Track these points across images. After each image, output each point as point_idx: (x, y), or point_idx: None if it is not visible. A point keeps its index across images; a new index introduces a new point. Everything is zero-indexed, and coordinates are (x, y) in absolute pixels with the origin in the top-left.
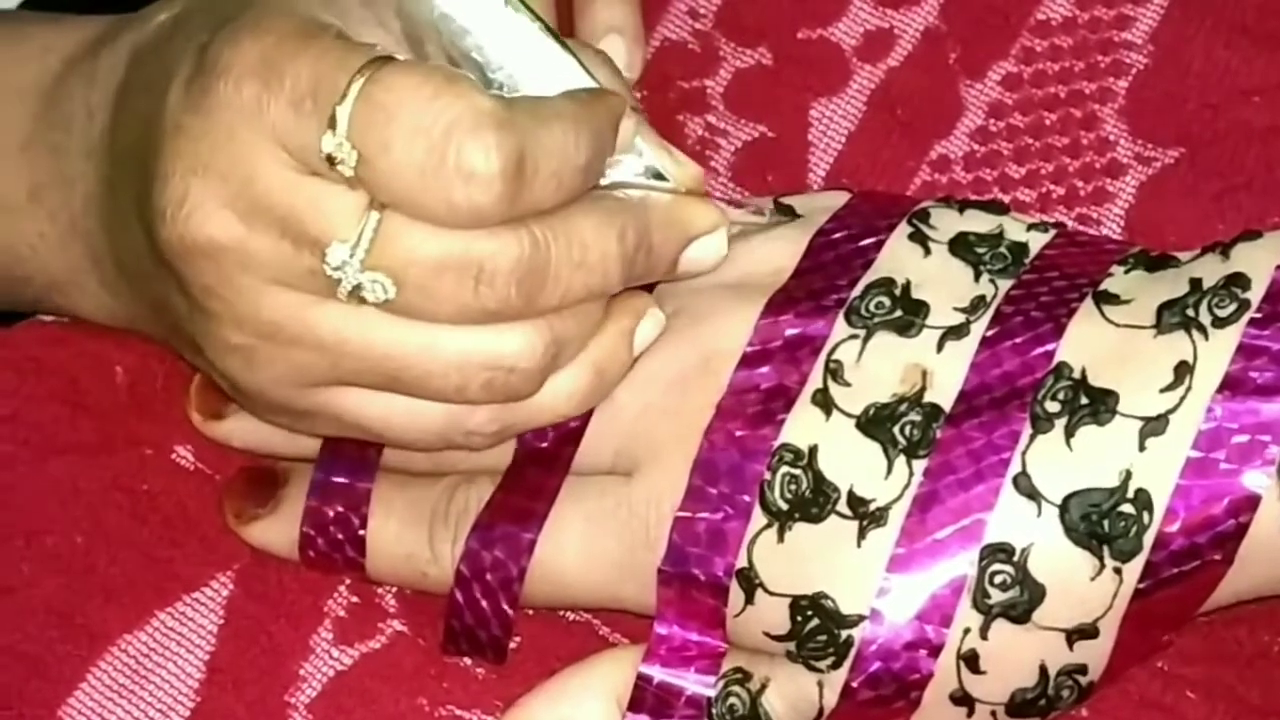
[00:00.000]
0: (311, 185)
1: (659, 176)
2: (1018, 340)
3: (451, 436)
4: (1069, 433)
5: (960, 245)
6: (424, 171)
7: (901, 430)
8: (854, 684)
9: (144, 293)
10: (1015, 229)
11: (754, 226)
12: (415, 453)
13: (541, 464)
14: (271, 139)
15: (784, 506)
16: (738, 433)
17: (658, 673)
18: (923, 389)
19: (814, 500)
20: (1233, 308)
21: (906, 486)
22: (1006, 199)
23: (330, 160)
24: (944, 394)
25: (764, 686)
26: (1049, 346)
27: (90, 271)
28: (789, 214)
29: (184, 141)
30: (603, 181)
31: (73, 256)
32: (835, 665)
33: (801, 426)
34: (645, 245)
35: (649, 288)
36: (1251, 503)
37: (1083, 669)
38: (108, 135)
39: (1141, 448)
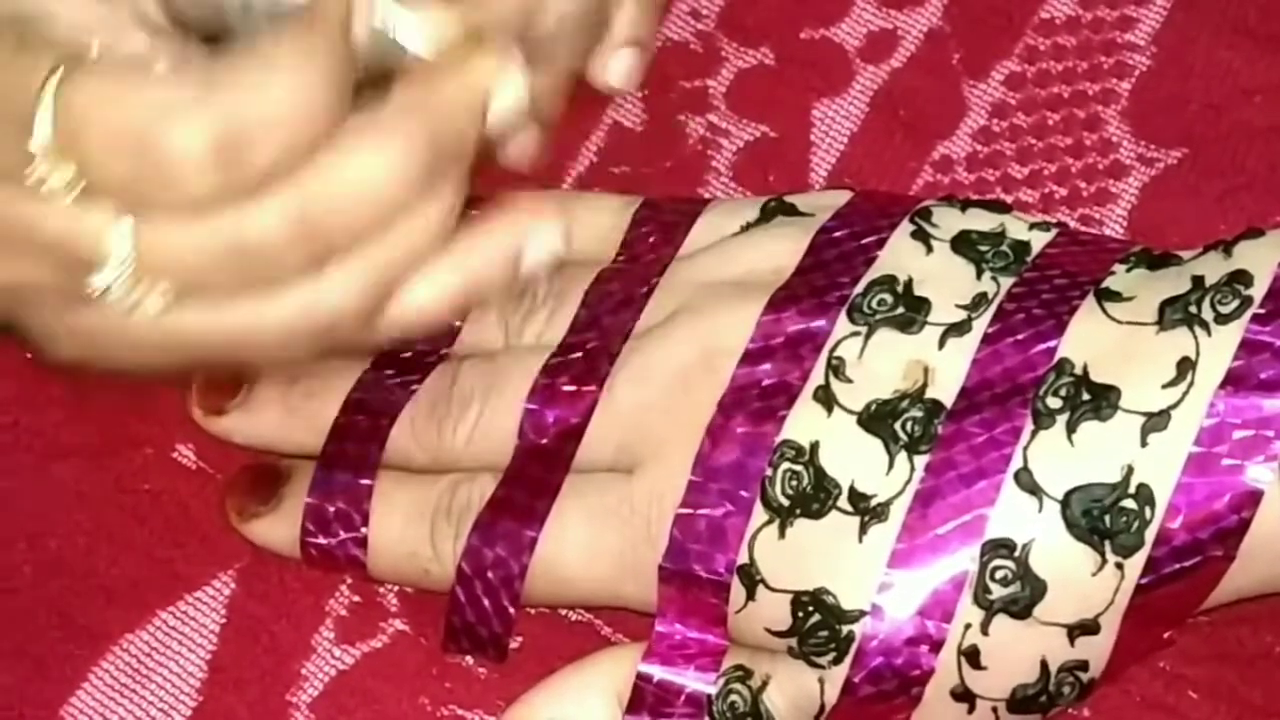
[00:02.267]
0: (51, 211)
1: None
2: (1019, 337)
3: (317, 330)
4: (1071, 428)
5: (962, 243)
6: (135, 174)
7: (903, 426)
8: (855, 680)
9: None
10: (1017, 228)
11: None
12: (416, 450)
13: (543, 461)
14: None
15: (785, 502)
16: (739, 429)
17: (658, 671)
18: (924, 385)
19: (815, 496)
20: (1235, 304)
21: (908, 482)
22: (1009, 199)
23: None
24: (945, 390)
25: (765, 683)
26: (1051, 343)
27: None
28: (790, 211)
29: None
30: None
31: None
32: (836, 661)
33: (803, 423)
34: (437, 140)
35: None
36: (1254, 498)
37: (1084, 665)
38: None
39: (1143, 443)
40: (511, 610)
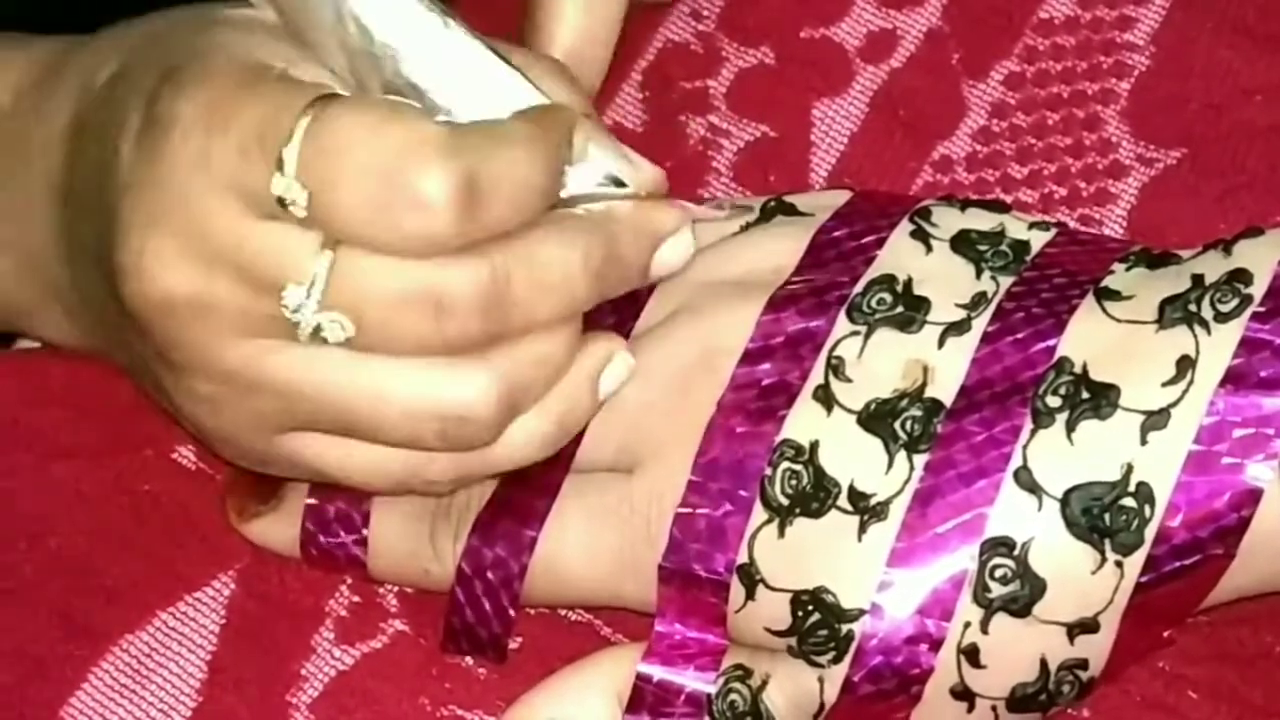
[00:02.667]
0: (266, 230)
1: (618, 183)
2: (1019, 336)
3: (411, 484)
4: (1070, 427)
5: (962, 242)
6: (374, 205)
7: (902, 425)
8: (855, 679)
9: (107, 331)
10: (1016, 227)
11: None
12: None
13: (543, 461)
14: (223, 187)
15: (785, 502)
16: (739, 429)
17: (657, 671)
18: (924, 384)
19: (815, 495)
20: (1235, 303)
21: (907, 481)
22: (1009, 199)
23: (281, 202)
24: (945, 389)
25: (765, 683)
26: (1050, 342)
27: (53, 302)
28: (790, 211)
29: (137, 197)
30: (561, 194)
31: (33, 289)
32: (836, 660)
33: (803, 422)
34: (613, 258)
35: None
36: (1254, 496)
37: (1083, 664)
38: (60, 175)
39: (1143, 442)
40: (511, 610)
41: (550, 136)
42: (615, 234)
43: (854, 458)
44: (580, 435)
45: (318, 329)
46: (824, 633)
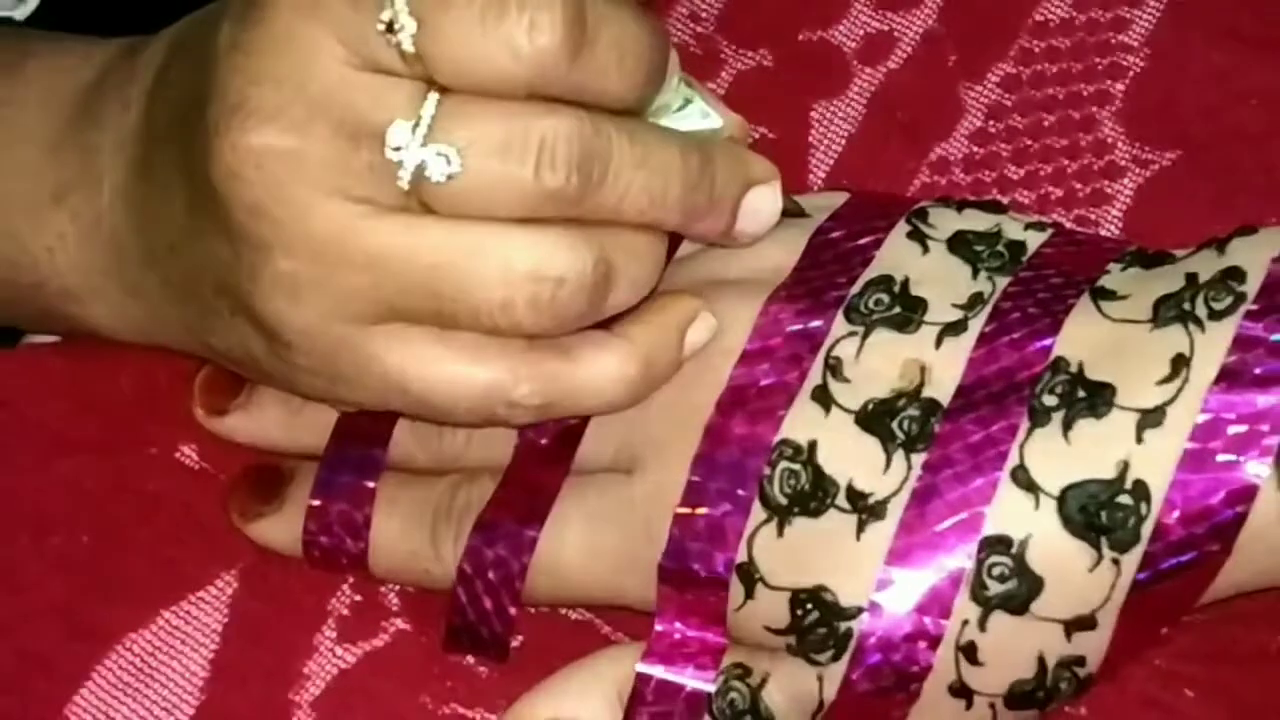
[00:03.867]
0: (369, 79)
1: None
2: (1015, 336)
3: (493, 406)
4: (1066, 426)
5: (958, 243)
6: (484, 21)
7: (900, 425)
8: (853, 676)
9: (174, 275)
10: (1013, 228)
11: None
12: (417, 450)
13: (543, 461)
14: (329, 34)
15: (783, 501)
16: (737, 429)
17: (657, 671)
18: (921, 384)
19: (813, 495)
20: (1229, 301)
21: (905, 480)
22: (1005, 201)
23: (390, 29)
24: (942, 389)
25: (764, 681)
26: (1046, 341)
27: (109, 273)
28: (797, 211)
29: (239, 56)
30: (661, 120)
31: (92, 257)
32: (835, 658)
33: (801, 422)
34: (708, 176)
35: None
36: (1249, 493)
37: (1081, 661)
38: (142, 120)
39: (1139, 440)
40: (512, 610)
41: (656, 30)
42: (711, 155)
43: (852, 457)
44: (580, 436)
45: (421, 168)
46: (823, 631)
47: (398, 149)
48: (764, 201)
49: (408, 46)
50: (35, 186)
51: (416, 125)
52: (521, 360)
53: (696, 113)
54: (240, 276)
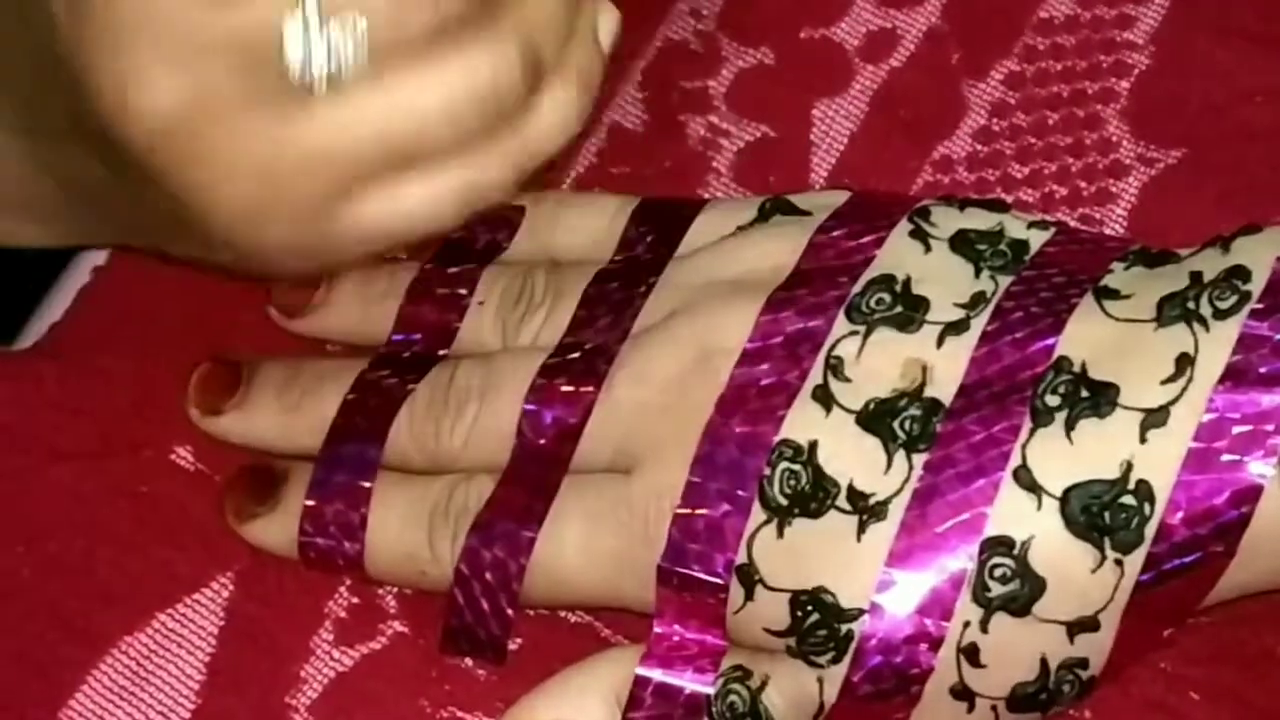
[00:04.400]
0: (235, 6)
1: None
2: (1018, 335)
3: (475, 203)
4: (1069, 425)
5: (960, 242)
6: None
7: (901, 425)
8: (854, 679)
9: (118, 212)
10: (1016, 226)
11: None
12: (414, 450)
13: (541, 462)
14: None
15: (783, 502)
16: (737, 429)
17: (656, 675)
18: (923, 384)
19: (813, 495)
20: (1233, 300)
21: (906, 481)
22: (1010, 199)
23: None
24: (944, 389)
25: (764, 684)
26: (1049, 341)
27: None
28: (788, 210)
29: (94, 27)
30: None
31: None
32: (835, 660)
33: (801, 422)
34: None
35: None
36: (1254, 493)
37: (1084, 663)
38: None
39: (1142, 439)
40: (510, 612)
41: None
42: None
43: (853, 457)
44: (578, 436)
45: (331, 49)
46: (823, 633)
47: (299, 47)
48: None
49: None
50: None
51: (306, 17)
52: (483, 150)
53: None
54: (196, 217)
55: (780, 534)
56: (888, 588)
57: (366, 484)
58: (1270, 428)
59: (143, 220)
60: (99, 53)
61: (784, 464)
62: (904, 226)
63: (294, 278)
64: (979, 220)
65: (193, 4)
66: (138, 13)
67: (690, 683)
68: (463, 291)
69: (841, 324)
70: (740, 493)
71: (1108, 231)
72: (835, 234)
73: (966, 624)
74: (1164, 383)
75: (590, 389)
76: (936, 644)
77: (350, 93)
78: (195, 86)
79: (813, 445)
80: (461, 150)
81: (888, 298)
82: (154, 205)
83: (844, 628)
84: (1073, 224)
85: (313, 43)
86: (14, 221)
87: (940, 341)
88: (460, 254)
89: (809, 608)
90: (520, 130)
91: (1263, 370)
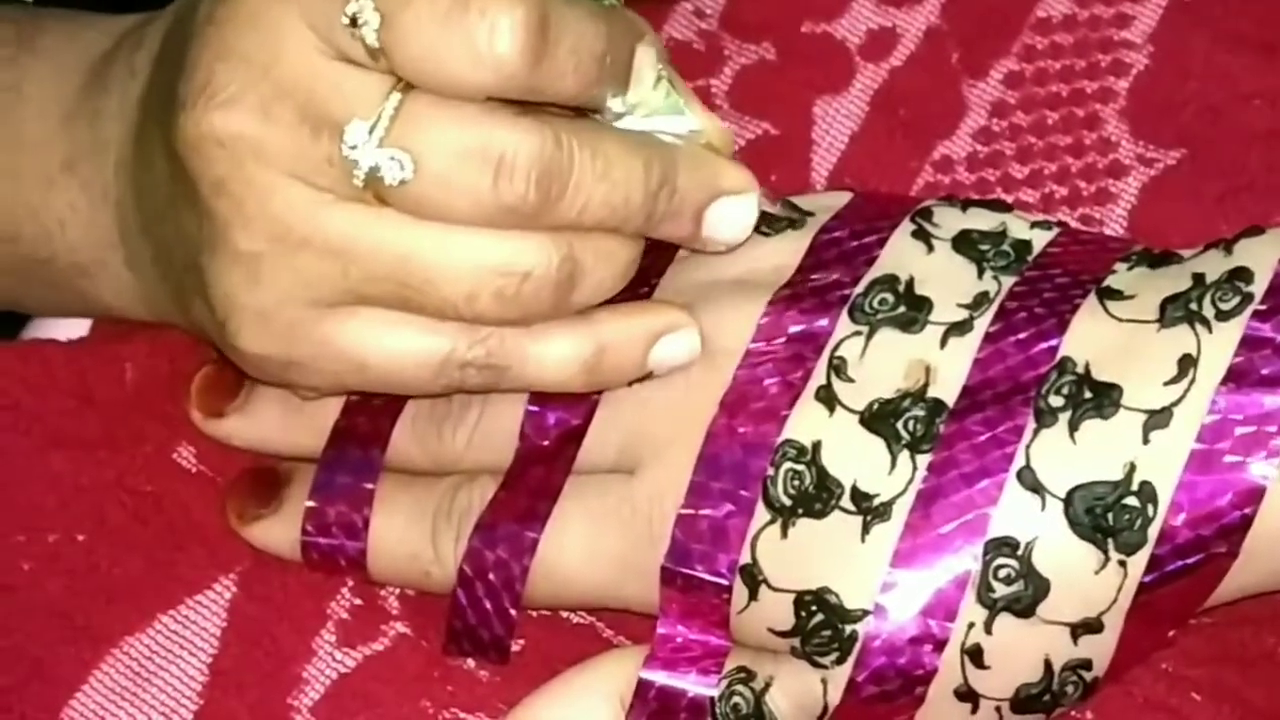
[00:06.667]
0: (335, 68)
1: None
2: (1021, 336)
3: (449, 371)
4: (1073, 426)
5: (963, 242)
6: (446, 23)
7: (905, 425)
8: (858, 680)
9: (162, 241)
10: (1018, 227)
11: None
12: (417, 452)
13: (544, 462)
14: (298, 18)
15: (787, 502)
16: (741, 429)
17: (660, 677)
18: (926, 384)
19: (817, 496)
20: (1236, 301)
21: (910, 481)
22: (1010, 199)
23: (353, 22)
24: (947, 389)
25: (768, 685)
26: (1052, 342)
27: (115, 247)
28: (797, 211)
29: (212, 30)
30: (627, 124)
31: (100, 230)
32: (839, 661)
33: (805, 422)
34: (671, 183)
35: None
36: (1257, 494)
37: (1087, 664)
38: (146, 87)
39: (1145, 441)
40: (513, 612)
41: (615, 22)
42: (678, 162)
43: (857, 458)
44: (581, 437)
45: (374, 170)
46: (827, 633)
47: (354, 148)
48: (732, 212)
49: (371, 41)
50: (47, 157)
51: (374, 126)
52: (484, 333)
53: (674, 115)
54: (202, 252)
55: (784, 534)
56: (892, 588)
57: (369, 485)
58: (1273, 429)
59: (180, 281)
60: (204, 50)
61: (787, 464)
62: (907, 227)
63: (257, 376)
64: (982, 220)
65: (298, 45)
66: (251, 28)
67: (694, 685)
68: None
69: (845, 324)
70: (744, 493)
71: (1108, 231)
72: (838, 234)
73: (971, 625)
74: (1167, 384)
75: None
76: (941, 645)
77: (389, 212)
78: (260, 117)
79: (816, 445)
80: (464, 326)
81: (891, 298)
82: (183, 230)
83: (848, 628)
84: (1073, 224)
85: (371, 149)
86: (99, 279)
87: (944, 342)
88: None
89: (813, 608)
90: (517, 333)
91: (1265, 371)
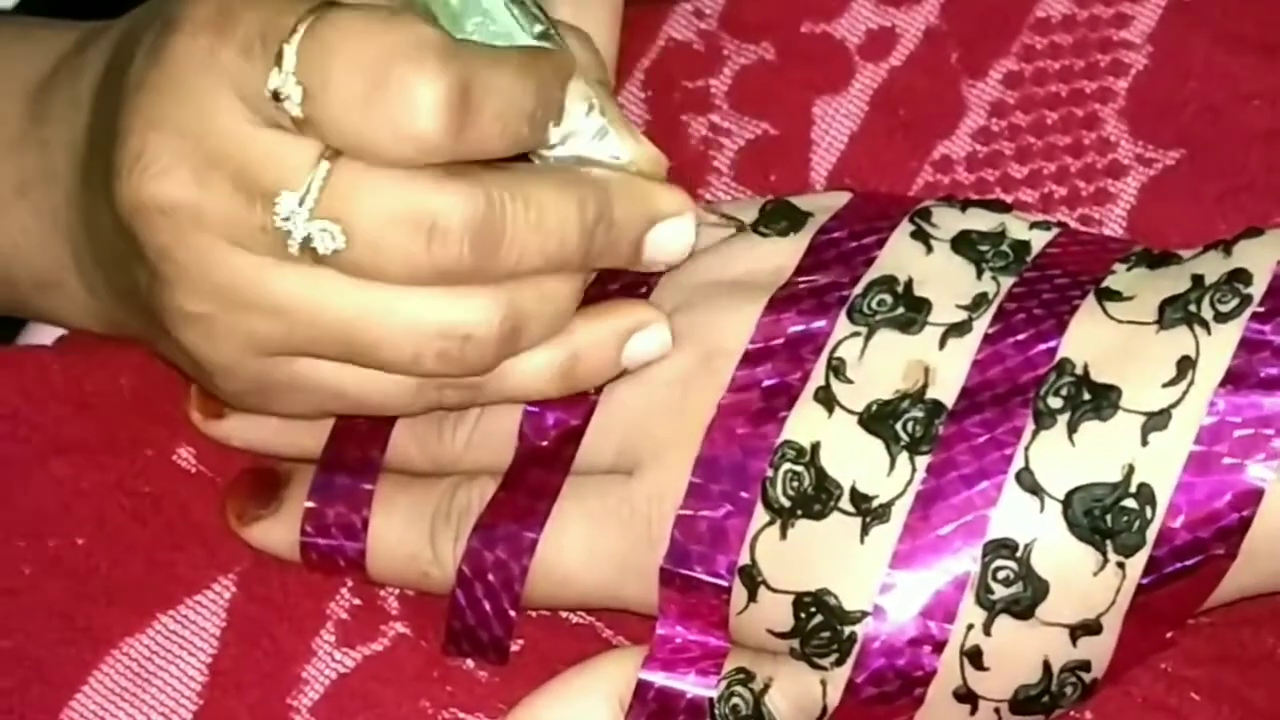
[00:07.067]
0: (265, 136)
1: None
2: (1020, 337)
3: (429, 390)
4: (1071, 428)
5: (962, 243)
6: (367, 100)
7: (904, 427)
8: (857, 681)
9: (116, 282)
10: (1017, 227)
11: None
12: (416, 452)
13: (543, 463)
14: (226, 88)
15: (786, 503)
16: (740, 430)
17: (659, 678)
18: (925, 385)
19: (816, 497)
20: (1235, 303)
21: (909, 483)
22: (1009, 199)
23: (276, 97)
24: (946, 390)
25: (767, 686)
26: (1051, 343)
27: (72, 269)
28: (786, 219)
29: (143, 96)
30: (560, 152)
31: (55, 254)
32: (839, 662)
33: (804, 423)
34: (606, 219)
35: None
36: (1255, 496)
37: (1086, 665)
38: (90, 122)
39: (1144, 442)
40: (512, 613)
41: (543, 70)
42: (611, 196)
43: (856, 459)
44: (580, 437)
45: (308, 240)
46: (826, 635)
47: (286, 219)
48: (671, 234)
49: (296, 113)
50: (0, 181)
51: (304, 197)
52: (423, 384)
53: (605, 142)
54: (157, 307)
55: (783, 535)
56: (891, 590)
57: (368, 486)
58: (1271, 431)
59: (140, 310)
60: (135, 116)
61: (786, 465)
62: (905, 227)
63: (239, 409)
64: (981, 221)
65: (226, 114)
66: (180, 98)
67: (693, 686)
68: None
69: (843, 325)
70: (743, 494)
71: (1107, 232)
72: (836, 235)
73: (970, 626)
74: (1165, 385)
75: (592, 390)
76: (940, 646)
77: (330, 274)
78: (195, 188)
79: (815, 447)
80: (404, 381)
81: (889, 299)
82: (137, 279)
83: (847, 630)
84: (1072, 224)
85: (302, 222)
86: (60, 299)
87: (942, 343)
88: None
89: (812, 609)
90: (468, 386)
91: (1264, 373)
